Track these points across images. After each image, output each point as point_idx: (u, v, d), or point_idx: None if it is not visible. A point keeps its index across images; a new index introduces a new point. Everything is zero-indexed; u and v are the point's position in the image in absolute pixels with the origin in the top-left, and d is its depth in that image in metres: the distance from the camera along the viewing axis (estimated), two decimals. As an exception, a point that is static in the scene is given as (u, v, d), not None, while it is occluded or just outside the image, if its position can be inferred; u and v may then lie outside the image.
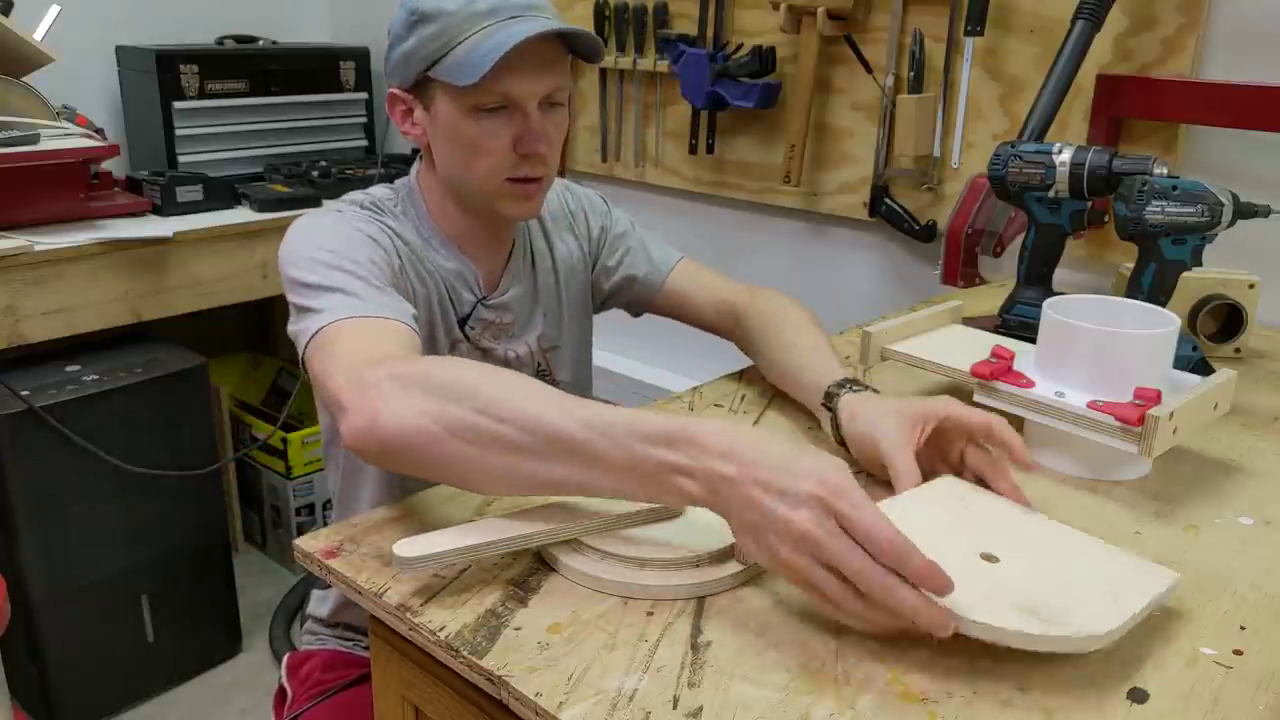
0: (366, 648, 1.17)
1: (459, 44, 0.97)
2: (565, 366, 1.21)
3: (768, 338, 1.12)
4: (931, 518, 0.76)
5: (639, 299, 1.25)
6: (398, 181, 1.13)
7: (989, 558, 0.70)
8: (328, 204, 1.07)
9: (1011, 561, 0.70)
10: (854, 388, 0.95)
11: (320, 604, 1.25)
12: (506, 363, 1.14)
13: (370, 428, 0.75)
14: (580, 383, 1.25)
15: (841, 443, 0.94)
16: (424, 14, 0.98)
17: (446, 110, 1.00)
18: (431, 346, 1.08)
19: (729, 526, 0.69)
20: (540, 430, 0.71)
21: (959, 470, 0.87)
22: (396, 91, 1.05)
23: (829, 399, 0.96)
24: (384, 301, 0.92)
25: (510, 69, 0.95)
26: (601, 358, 2.11)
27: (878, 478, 0.88)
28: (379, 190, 1.11)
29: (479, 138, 1.00)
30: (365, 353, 0.83)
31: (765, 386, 1.14)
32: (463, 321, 1.10)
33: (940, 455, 0.88)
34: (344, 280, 0.93)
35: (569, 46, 1.02)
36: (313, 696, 1.15)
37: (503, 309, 1.13)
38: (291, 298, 0.95)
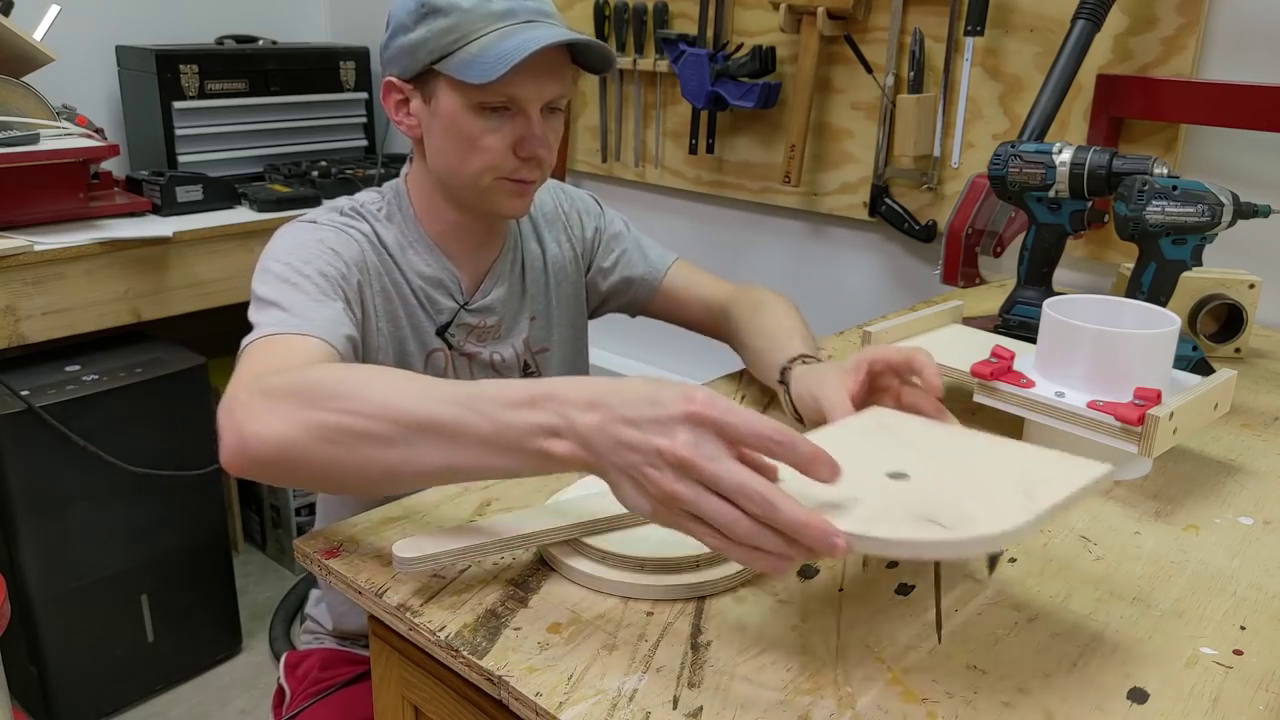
0: (365, 646, 1.18)
1: (472, 41, 0.97)
2: (556, 369, 1.20)
3: (748, 327, 1.14)
4: (847, 444, 0.71)
5: (636, 300, 1.26)
6: (385, 185, 1.13)
7: (897, 475, 0.66)
8: (312, 212, 1.08)
9: (921, 476, 0.66)
10: (805, 360, 0.97)
11: (318, 606, 1.25)
12: (492, 366, 1.13)
13: (238, 447, 0.74)
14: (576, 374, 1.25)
15: (798, 418, 0.95)
16: (435, 7, 0.98)
17: (449, 104, 1.00)
18: (402, 359, 1.08)
19: (608, 485, 0.64)
20: (405, 417, 0.68)
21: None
22: (395, 81, 1.04)
23: (783, 374, 0.99)
24: (314, 316, 0.92)
25: (520, 73, 0.96)
26: (601, 357, 2.12)
27: None
28: (365, 195, 1.11)
29: (479, 135, 1.00)
30: (257, 371, 0.82)
31: (765, 387, 1.14)
32: (442, 329, 1.09)
33: (881, 401, 0.86)
34: (284, 294, 0.93)
35: (574, 57, 1.03)
36: (311, 695, 1.15)
37: (485, 312, 1.13)
38: (249, 311, 0.96)
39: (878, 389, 0.88)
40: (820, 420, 0.86)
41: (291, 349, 0.88)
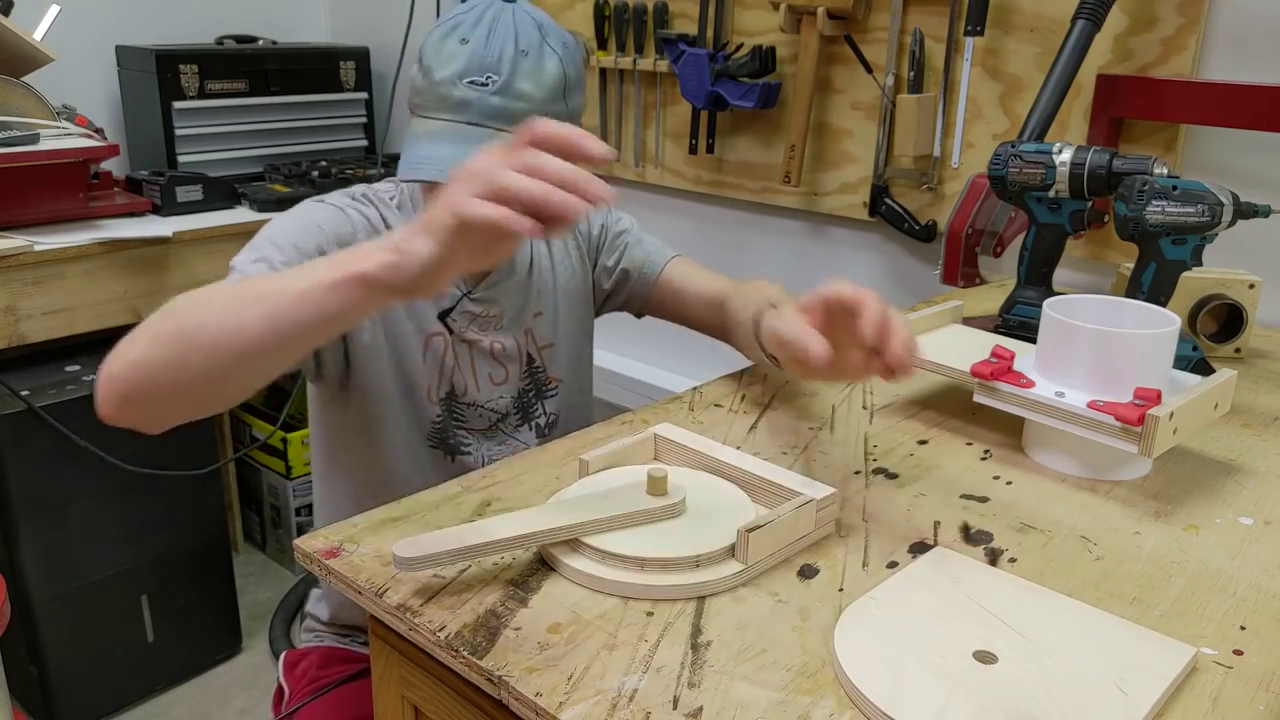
0: (363, 643, 1.18)
1: (425, 117, 1.00)
2: (561, 365, 1.21)
3: (738, 309, 1.13)
4: (922, 604, 0.70)
5: (635, 294, 1.26)
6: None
7: (985, 657, 0.65)
8: (327, 194, 1.10)
9: (1009, 660, 0.64)
10: (773, 307, 0.99)
11: (318, 604, 1.25)
12: (493, 355, 1.15)
13: (103, 386, 0.78)
14: (580, 381, 1.25)
15: (776, 363, 0.97)
16: (422, 61, 1.00)
17: None
18: (394, 339, 1.09)
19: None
20: (229, 294, 0.75)
21: (863, 346, 0.78)
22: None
23: (756, 329, 1.00)
24: (250, 273, 0.95)
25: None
26: (602, 358, 2.11)
27: (806, 378, 0.88)
28: (382, 184, 1.13)
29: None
30: None
31: (765, 386, 1.14)
32: (444, 314, 1.11)
33: (841, 340, 0.80)
34: (245, 260, 0.97)
35: None
36: (310, 693, 1.16)
37: (488, 302, 1.14)
38: None
39: (837, 327, 0.81)
40: (787, 353, 0.82)
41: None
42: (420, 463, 1.12)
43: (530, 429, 1.18)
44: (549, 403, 1.19)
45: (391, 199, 1.11)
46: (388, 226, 1.07)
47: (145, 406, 0.79)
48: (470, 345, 1.13)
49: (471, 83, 0.96)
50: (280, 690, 1.23)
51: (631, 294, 1.26)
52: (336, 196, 1.09)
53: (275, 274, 0.77)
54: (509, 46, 0.97)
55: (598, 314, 1.28)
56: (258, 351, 0.74)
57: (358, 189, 1.11)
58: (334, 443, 1.15)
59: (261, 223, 2.08)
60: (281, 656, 1.25)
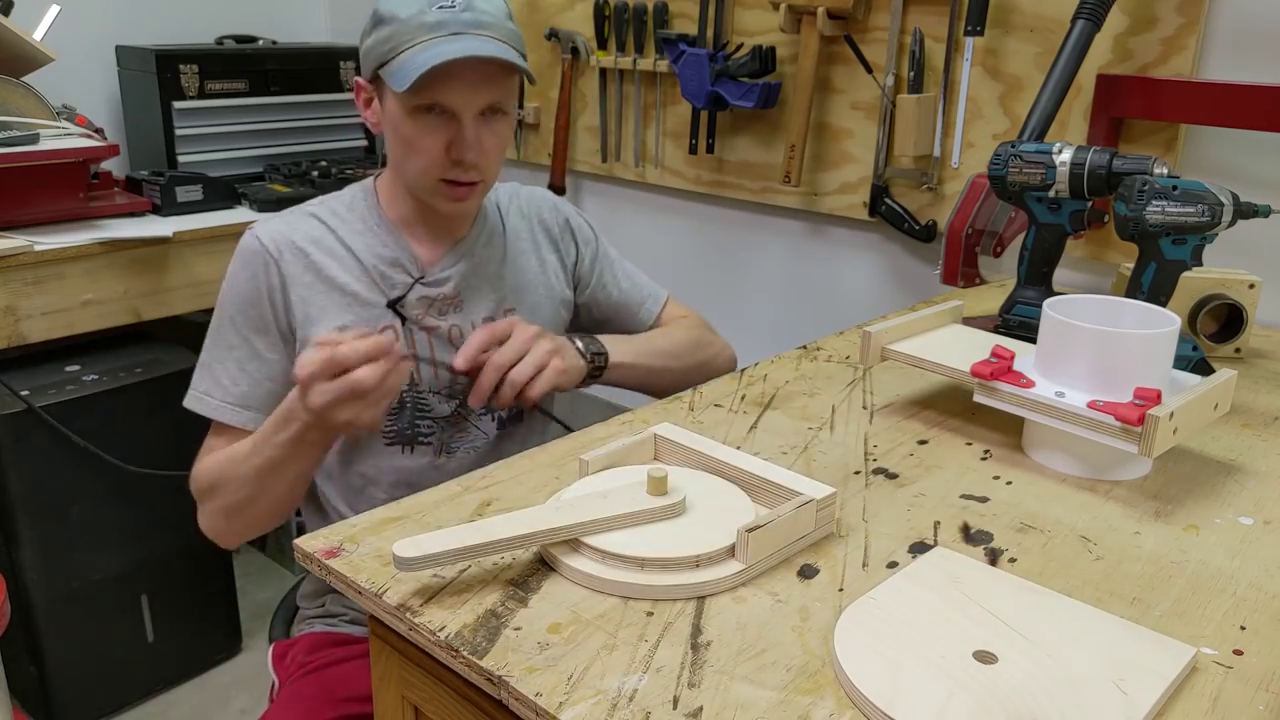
0: (350, 622, 1.18)
1: (403, 51, 1.04)
2: None
3: None
4: (923, 604, 0.70)
5: (621, 329, 1.32)
6: (357, 183, 1.22)
7: (985, 657, 0.65)
8: (247, 233, 1.16)
9: (1009, 660, 0.64)
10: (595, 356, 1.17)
11: (305, 589, 1.27)
12: (451, 340, 1.16)
13: (209, 532, 1.12)
14: None
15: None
16: (381, 17, 1.07)
17: (391, 107, 1.08)
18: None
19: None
20: (251, 479, 1.04)
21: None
22: (360, 81, 1.15)
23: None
24: (231, 392, 1.11)
25: (446, 81, 1.03)
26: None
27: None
28: (341, 191, 1.21)
29: (414, 137, 1.07)
30: (203, 466, 1.10)
31: (765, 386, 1.14)
32: (394, 302, 1.14)
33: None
34: (216, 355, 1.13)
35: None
36: (298, 678, 1.15)
37: (441, 283, 1.16)
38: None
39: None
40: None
41: (212, 436, 1.13)
42: (379, 459, 1.15)
43: (491, 419, 1.19)
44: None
45: (342, 203, 1.17)
46: (330, 230, 1.15)
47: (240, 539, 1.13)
48: (430, 332, 1.16)
49: (440, 7, 1.04)
50: (273, 684, 1.23)
51: (618, 328, 1.32)
52: (265, 225, 1.15)
53: (256, 451, 1.03)
54: None
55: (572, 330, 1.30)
56: (289, 490, 1.07)
57: (308, 204, 1.19)
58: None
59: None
60: (269, 649, 1.25)
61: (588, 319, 1.31)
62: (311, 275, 1.12)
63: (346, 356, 0.91)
